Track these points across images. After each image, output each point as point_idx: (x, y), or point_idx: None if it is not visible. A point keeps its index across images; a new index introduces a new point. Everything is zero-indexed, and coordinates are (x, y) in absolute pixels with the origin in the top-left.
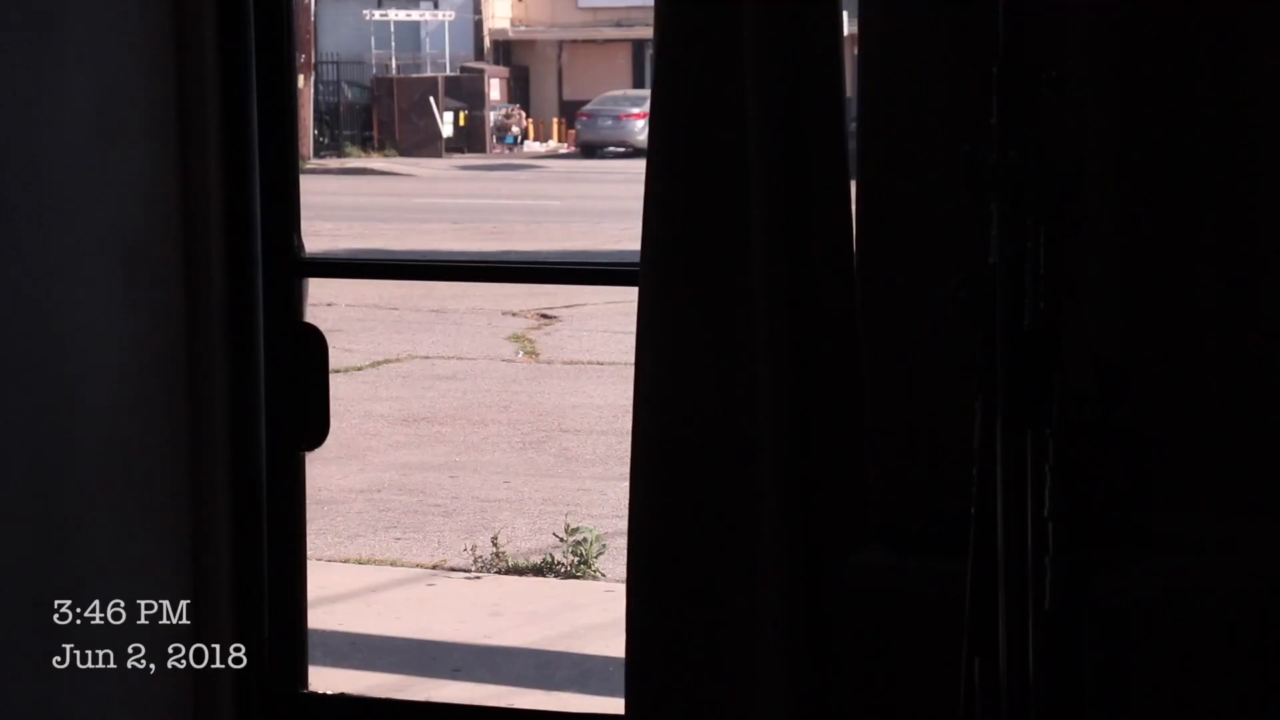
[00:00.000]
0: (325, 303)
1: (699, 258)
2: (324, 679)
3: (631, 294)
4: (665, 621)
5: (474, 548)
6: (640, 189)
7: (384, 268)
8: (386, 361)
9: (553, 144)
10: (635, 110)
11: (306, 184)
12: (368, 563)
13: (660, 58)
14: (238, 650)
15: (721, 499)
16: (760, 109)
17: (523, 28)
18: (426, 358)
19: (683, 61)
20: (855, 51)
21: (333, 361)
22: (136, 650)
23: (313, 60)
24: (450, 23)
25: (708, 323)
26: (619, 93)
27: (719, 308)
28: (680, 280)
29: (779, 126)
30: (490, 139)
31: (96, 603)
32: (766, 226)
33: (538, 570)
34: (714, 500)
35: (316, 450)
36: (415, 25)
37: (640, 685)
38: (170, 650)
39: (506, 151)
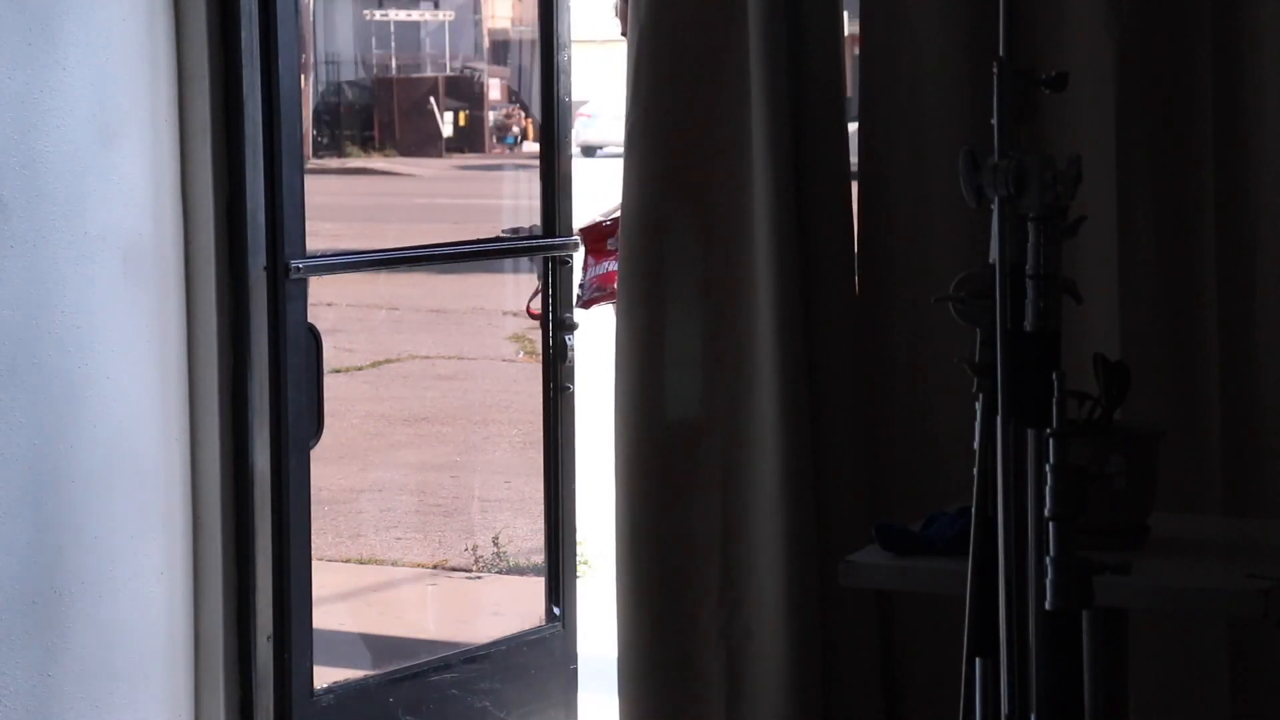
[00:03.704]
0: (325, 303)
1: (699, 259)
2: (325, 678)
3: None
4: (662, 621)
5: (475, 547)
6: None
7: (383, 260)
8: (386, 361)
9: None
10: None
11: (307, 184)
12: (368, 563)
13: (663, 62)
14: (239, 650)
15: (723, 498)
16: (761, 109)
17: (523, 28)
18: (427, 358)
19: (685, 63)
20: (855, 51)
21: (334, 361)
22: (136, 650)
23: (313, 60)
24: (450, 23)
25: (709, 323)
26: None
27: (720, 307)
28: (682, 281)
29: (780, 127)
30: (490, 139)
31: (96, 602)
32: (768, 228)
33: (539, 570)
34: (715, 500)
35: (317, 449)
36: (415, 25)
37: (639, 684)
38: (170, 650)
39: (506, 151)
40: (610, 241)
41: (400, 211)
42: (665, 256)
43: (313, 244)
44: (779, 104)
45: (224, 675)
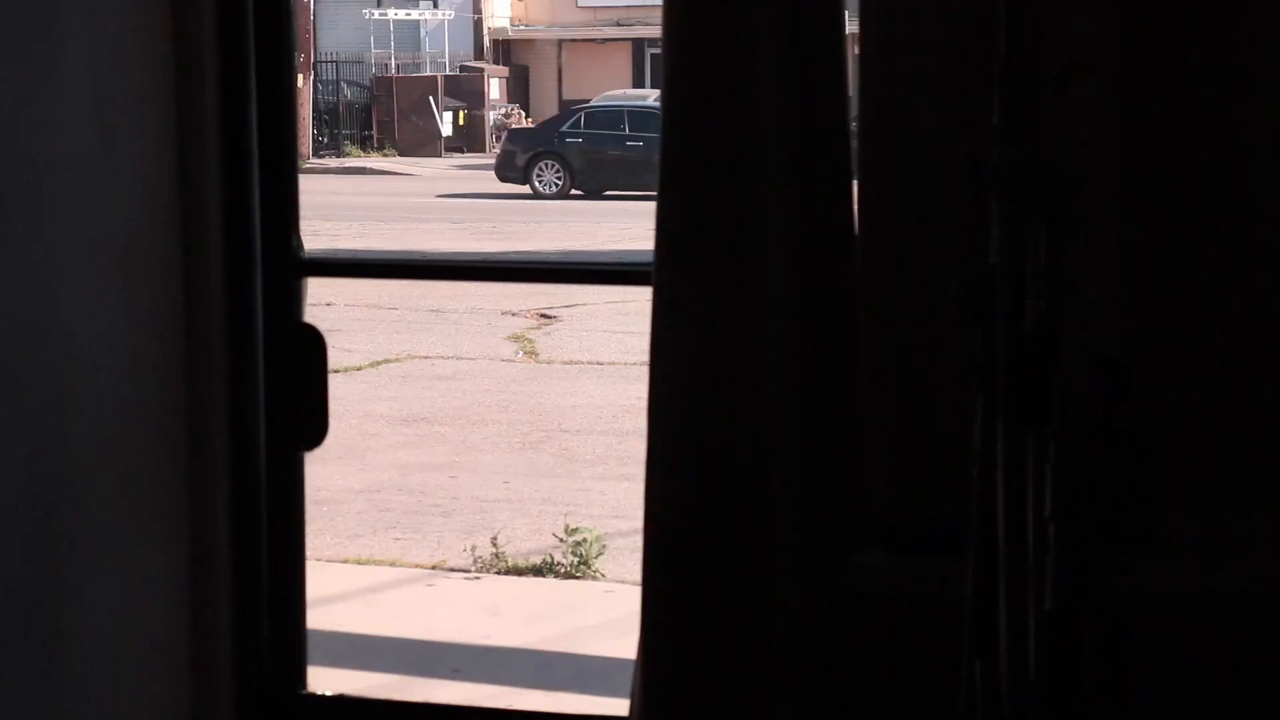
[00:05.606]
0: (325, 302)
1: (709, 261)
2: (324, 679)
3: (631, 293)
4: (680, 619)
5: (474, 548)
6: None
7: (384, 267)
8: (386, 361)
9: None
10: None
11: (306, 184)
12: (368, 563)
13: (670, 63)
14: (238, 650)
15: (735, 498)
16: (767, 112)
17: (522, 27)
18: (426, 358)
19: (692, 67)
20: (856, 51)
21: (333, 361)
22: (136, 650)
23: (313, 60)
24: (450, 22)
25: (719, 325)
26: (618, 92)
27: (729, 309)
28: (692, 283)
29: (785, 129)
30: (490, 138)
31: (95, 603)
32: (774, 228)
33: (537, 570)
34: (728, 499)
35: (316, 450)
36: (415, 25)
37: (655, 682)
38: (170, 650)
39: None
40: None
41: (400, 211)
42: (689, 260)
43: (312, 244)
44: (782, 106)
45: (224, 675)
